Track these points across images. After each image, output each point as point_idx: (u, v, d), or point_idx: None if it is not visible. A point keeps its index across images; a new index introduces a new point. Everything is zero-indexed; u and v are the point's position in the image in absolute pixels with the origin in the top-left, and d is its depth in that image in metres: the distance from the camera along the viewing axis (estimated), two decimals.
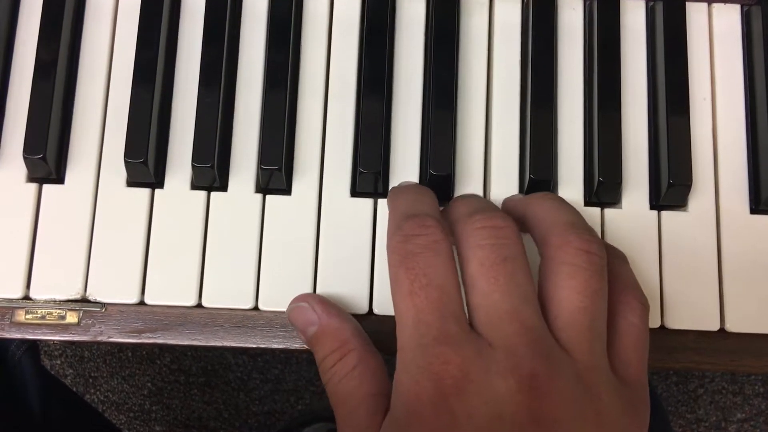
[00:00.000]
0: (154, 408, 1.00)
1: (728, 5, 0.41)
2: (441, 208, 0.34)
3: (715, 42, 0.40)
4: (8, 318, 0.37)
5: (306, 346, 0.36)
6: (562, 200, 0.34)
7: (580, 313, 0.30)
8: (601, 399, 0.29)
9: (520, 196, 0.37)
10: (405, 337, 0.29)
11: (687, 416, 1.03)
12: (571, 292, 0.30)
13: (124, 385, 1.00)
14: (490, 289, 0.29)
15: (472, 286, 0.30)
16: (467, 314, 0.30)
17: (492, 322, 0.29)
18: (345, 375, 0.32)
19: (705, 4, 0.40)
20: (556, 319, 0.30)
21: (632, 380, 0.31)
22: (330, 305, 0.35)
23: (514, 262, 0.30)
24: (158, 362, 1.00)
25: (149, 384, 1.00)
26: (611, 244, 0.36)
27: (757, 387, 1.03)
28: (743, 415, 1.03)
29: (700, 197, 0.38)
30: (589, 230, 0.32)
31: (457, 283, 0.30)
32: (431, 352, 0.28)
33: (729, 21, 0.41)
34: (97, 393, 1.00)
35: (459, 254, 0.31)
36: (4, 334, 0.37)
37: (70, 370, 1.00)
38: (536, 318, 0.29)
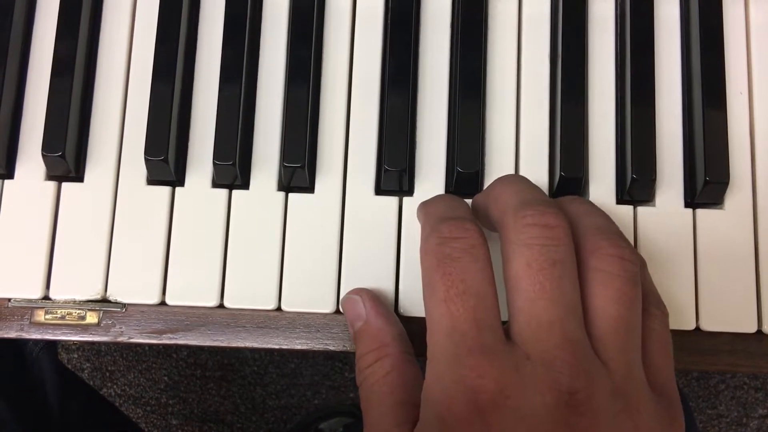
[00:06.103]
0: (170, 402, 1.00)
1: None
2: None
3: (752, 34, 0.39)
4: (28, 318, 0.36)
5: (315, 347, 0.35)
6: (591, 204, 0.33)
7: (616, 322, 0.28)
8: (640, 412, 0.28)
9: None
10: (438, 345, 0.28)
11: (708, 412, 1.01)
12: (606, 301, 0.29)
13: (141, 379, 1.00)
14: (536, 295, 0.28)
15: (515, 287, 0.29)
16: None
17: (533, 331, 0.28)
18: (378, 379, 0.31)
19: None
20: (592, 329, 0.29)
21: (665, 388, 0.30)
22: (379, 304, 0.34)
23: (563, 266, 0.28)
24: (175, 356, 1.00)
25: (166, 378, 1.00)
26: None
27: None
28: (765, 410, 1.02)
29: (737, 195, 0.37)
30: (622, 235, 0.31)
31: (495, 292, 0.29)
32: (466, 364, 0.27)
33: (766, 12, 0.39)
34: (114, 387, 1.00)
35: (503, 248, 0.30)
36: (24, 334, 0.36)
37: (87, 364, 1.00)
38: (579, 330, 0.28)
